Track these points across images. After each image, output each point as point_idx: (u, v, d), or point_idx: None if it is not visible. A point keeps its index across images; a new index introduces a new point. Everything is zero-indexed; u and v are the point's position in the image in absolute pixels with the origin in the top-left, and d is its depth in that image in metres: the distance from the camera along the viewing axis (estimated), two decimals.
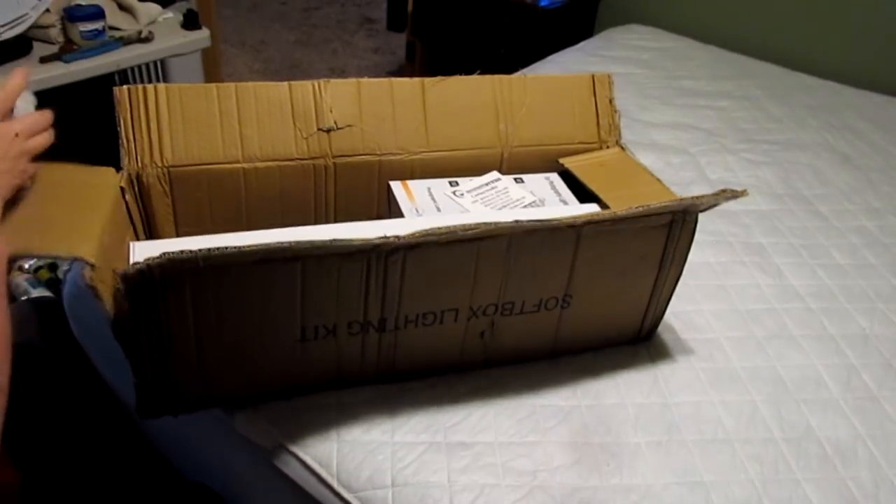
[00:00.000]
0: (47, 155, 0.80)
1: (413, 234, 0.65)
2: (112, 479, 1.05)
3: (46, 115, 0.69)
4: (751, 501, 0.76)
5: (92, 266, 0.60)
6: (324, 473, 0.74)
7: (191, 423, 0.76)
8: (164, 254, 0.57)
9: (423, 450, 0.76)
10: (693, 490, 0.76)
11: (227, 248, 0.59)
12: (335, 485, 0.73)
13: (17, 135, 0.65)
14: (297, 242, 0.60)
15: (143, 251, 0.69)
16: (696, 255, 0.87)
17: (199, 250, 0.58)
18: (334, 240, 0.62)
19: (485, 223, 0.67)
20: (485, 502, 0.72)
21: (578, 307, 0.82)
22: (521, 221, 0.69)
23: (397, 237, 0.65)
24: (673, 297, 0.89)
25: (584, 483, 0.75)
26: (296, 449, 0.76)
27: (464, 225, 0.67)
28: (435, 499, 0.72)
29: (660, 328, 0.94)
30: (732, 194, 0.74)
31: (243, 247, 0.59)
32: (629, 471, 0.77)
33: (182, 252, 0.57)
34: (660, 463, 0.78)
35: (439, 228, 0.66)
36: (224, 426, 0.80)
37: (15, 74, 0.68)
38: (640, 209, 0.74)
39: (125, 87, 0.78)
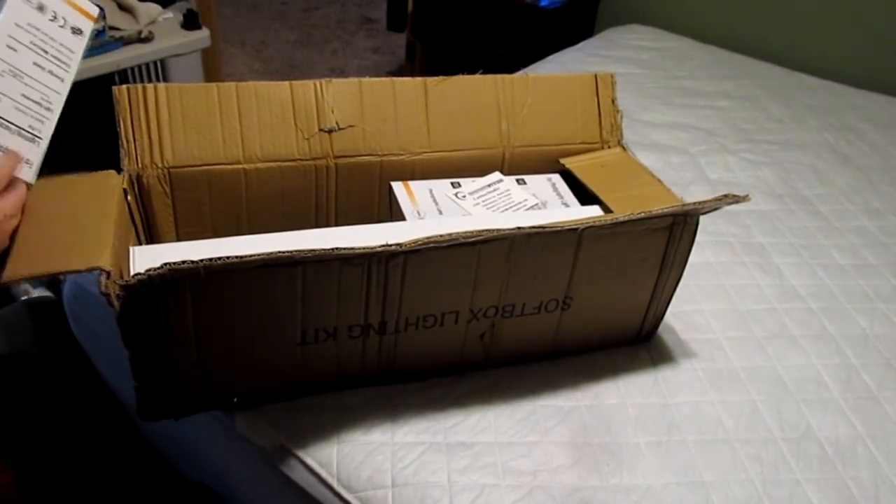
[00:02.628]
0: (50, 161, 0.80)
1: (415, 241, 0.65)
2: (111, 479, 1.05)
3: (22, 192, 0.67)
4: (751, 501, 0.76)
5: (108, 273, 0.60)
6: (324, 474, 0.74)
7: (190, 424, 0.76)
8: (165, 264, 0.57)
9: (423, 450, 0.76)
10: (693, 490, 0.76)
11: (228, 257, 0.59)
12: (335, 485, 0.73)
13: (4, 216, 0.64)
14: (299, 251, 0.60)
15: (143, 257, 0.69)
16: (697, 256, 0.87)
17: (201, 260, 0.58)
18: (336, 248, 0.62)
19: (487, 230, 0.67)
20: (485, 502, 0.72)
21: (579, 309, 0.82)
22: (523, 228, 0.69)
23: (399, 245, 0.65)
24: (673, 298, 0.89)
25: (584, 483, 0.75)
26: (296, 449, 0.76)
27: (465, 232, 0.67)
28: (435, 499, 0.72)
29: (660, 328, 0.94)
30: (735, 199, 0.74)
31: (245, 256, 0.59)
32: (629, 471, 0.77)
33: (183, 262, 0.57)
34: (660, 463, 0.79)
35: (441, 236, 0.66)
36: (224, 427, 0.80)
37: (9, 157, 0.67)
38: (642, 214, 0.74)
39: (124, 86, 0.78)
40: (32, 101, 0.71)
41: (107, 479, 1.04)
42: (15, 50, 0.69)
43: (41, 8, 0.71)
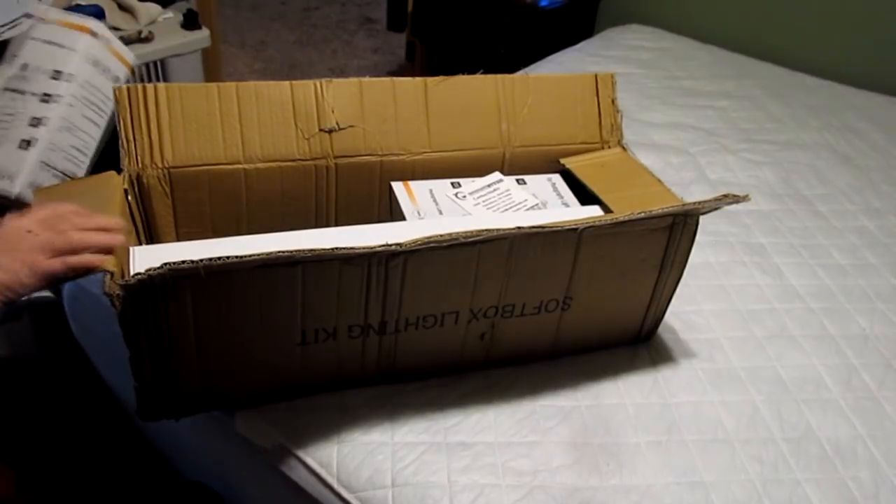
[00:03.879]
0: None
1: (415, 241, 0.65)
2: (111, 479, 1.05)
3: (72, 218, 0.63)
4: (751, 501, 0.76)
5: (111, 274, 0.60)
6: (324, 474, 0.74)
7: (190, 424, 0.76)
8: (165, 264, 0.57)
9: (423, 450, 0.76)
10: (693, 490, 0.76)
11: (228, 257, 0.58)
12: (335, 485, 0.73)
13: (29, 231, 0.61)
14: (298, 251, 0.60)
15: (143, 257, 0.69)
16: (697, 255, 0.87)
17: (201, 260, 0.58)
18: (335, 248, 0.62)
19: (486, 230, 0.67)
20: (485, 502, 0.72)
21: (579, 309, 0.82)
22: (523, 228, 0.69)
23: (399, 245, 0.65)
24: (673, 298, 0.89)
25: (584, 483, 0.75)
26: (296, 449, 0.76)
27: (465, 232, 0.67)
28: (435, 499, 0.72)
29: (660, 328, 0.94)
30: (735, 199, 0.74)
31: (244, 256, 0.59)
32: (629, 471, 0.77)
33: (183, 262, 0.57)
34: (660, 463, 0.79)
35: (440, 236, 0.66)
36: (224, 427, 0.80)
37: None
38: (642, 214, 0.74)
39: (125, 86, 0.78)
40: (76, 149, 0.77)
41: (107, 479, 1.04)
42: (73, 106, 0.76)
43: (96, 64, 0.74)
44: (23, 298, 0.61)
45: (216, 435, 0.86)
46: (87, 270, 0.61)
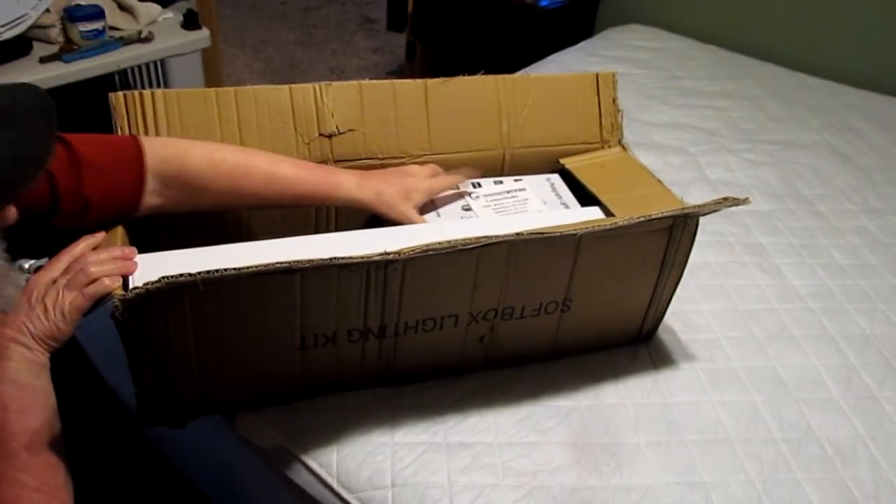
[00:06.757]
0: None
1: (413, 249, 0.65)
2: (112, 477, 1.05)
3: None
4: (751, 501, 0.76)
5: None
6: (324, 474, 0.74)
7: (191, 424, 0.76)
8: (162, 278, 0.57)
9: (423, 450, 0.76)
10: (693, 490, 0.76)
11: (226, 269, 0.58)
12: (335, 485, 0.74)
13: (54, 281, 0.65)
14: (297, 261, 0.60)
15: (142, 265, 0.69)
16: (696, 256, 0.87)
17: (198, 273, 0.57)
18: (333, 258, 0.62)
19: (485, 237, 0.67)
20: (485, 502, 0.72)
21: (578, 310, 0.82)
22: (522, 234, 0.69)
23: (398, 253, 0.64)
24: (673, 298, 0.89)
25: (584, 483, 0.75)
26: (296, 450, 0.76)
27: (464, 239, 0.66)
28: (435, 499, 0.72)
29: (660, 328, 0.94)
30: (734, 201, 0.74)
31: (242, 267, 0.59)
32: (629, 471, 0.77)
33: (181, 275, 0.57)
34: (660, 463, 0.79)
35: (439, 243, 0.65)
36: (225, 428, 0.80)
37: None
38: (641, 217, 0.73)
39: (121, 92, 0.77)
40: None
41: (107, 479, 1.05)
42: None
43: None
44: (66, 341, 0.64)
45: (216, 435, 0.86)
46: (103, 296, 0.64)
